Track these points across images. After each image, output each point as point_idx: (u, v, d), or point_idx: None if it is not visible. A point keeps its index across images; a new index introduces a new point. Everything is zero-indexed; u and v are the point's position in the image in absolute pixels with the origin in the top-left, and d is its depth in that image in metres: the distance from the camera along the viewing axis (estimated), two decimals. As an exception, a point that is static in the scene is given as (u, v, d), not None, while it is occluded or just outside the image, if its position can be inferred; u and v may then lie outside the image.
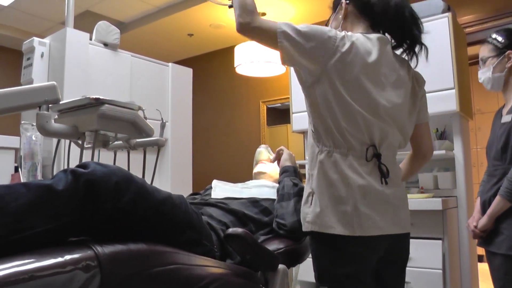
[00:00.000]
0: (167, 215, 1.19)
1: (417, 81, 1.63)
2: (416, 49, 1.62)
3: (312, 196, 1.44)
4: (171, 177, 3.45)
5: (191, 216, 1.28)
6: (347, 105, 1.39)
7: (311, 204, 1.43)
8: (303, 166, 3.58)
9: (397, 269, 1.54)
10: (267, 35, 1.41)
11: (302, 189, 1.80)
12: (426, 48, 1.64)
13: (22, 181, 2.30)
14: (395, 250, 1.47)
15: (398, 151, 1.56)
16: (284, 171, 1.99)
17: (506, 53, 2.08)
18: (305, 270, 3.11)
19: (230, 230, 1.30)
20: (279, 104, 5.73)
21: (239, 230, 1.29)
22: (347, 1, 1.61)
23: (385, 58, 1.48)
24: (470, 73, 3.78)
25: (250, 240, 1.29)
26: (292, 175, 1.94)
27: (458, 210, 2.80)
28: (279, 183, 1.91)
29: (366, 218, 1.35)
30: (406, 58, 1.63)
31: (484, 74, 2.16)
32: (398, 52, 1.63)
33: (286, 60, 1.43)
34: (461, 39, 3.10)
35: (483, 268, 2.87)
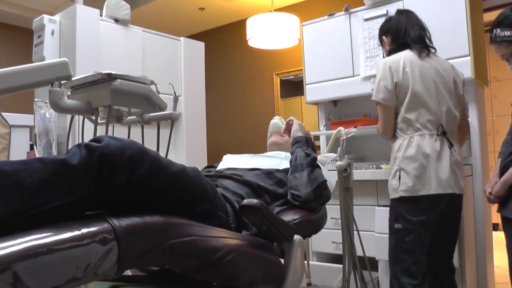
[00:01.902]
0: (182, 188, 1.19)
1: None
2: None
3: None
4: (185, 150, 3.47)
5: (205, 188, 1.28)
6: None
7: None
8: (317, 138, 3.57)
9: None
10: None
11: (314, 159, 1.81)
12: None
13: (38, 158, 2.32)
14: None
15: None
16: (296, 141, 1.97)
17: None
18: (320, 241, 3.13)
19: (245, 201, 1.30)
20: (293, 76, 5.69)
21: (254, 201, 1.29)
22: None
23: None
24: (486, 40, 3.70)
25: (266, 211, 1.29)
26: (304, 145, 1.93)
27: (473, 178, 2.78)
28: (291, 154, 1.90)
29: None
30: None
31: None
32: None
33: None
34: (477, 5, 3.03)
35: (499, 237, 2.87)
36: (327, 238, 3.07)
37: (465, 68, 2.74)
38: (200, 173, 1.30)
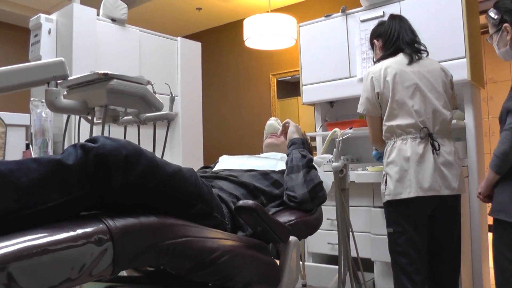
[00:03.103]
0: (178, 188, 1.19)
1: None
2: None
3: None
4: (182, 151, 3.46)
5: (201, 189, 1.28)
6: None
7: None
8: (313, 139, 3.57)
9: None
10: None
11: (311, 161, 1.82)
12: None
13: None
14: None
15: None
16: (292, 143, 1.98)
17: (502, 27, 2.04)
18: (315, 242, 3.13)
19: (241, 202, 1.30)
20: (289, 77, 5.69)
21: (250, 202, 1.29)
22: None
23: None
24: (482, 42, 3.71)
25: (261, 212, 1.29)
26: (300, 147, 1.94)
27: (469, 179, 2.78)
28: (287, 155, 1.91)
29: None
30: None
31: (496, 50, 2.18)
32: None
33: None
34: (473, 7, 3.04)
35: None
36: (323, 239, 3.07)
37: (461, 70, 2.75)
38: (195, 173, 1.30)
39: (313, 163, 1.96)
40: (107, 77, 1.63)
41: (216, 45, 6.37)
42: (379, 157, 2.56)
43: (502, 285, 1.92)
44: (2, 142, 2.60)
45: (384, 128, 2.29)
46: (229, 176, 1.70)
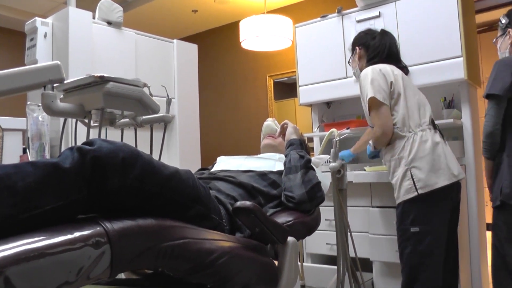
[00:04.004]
0: (175, 190, 1.19)
1: None
2: None
3: None
4: (179, 153, 3.47)
5: (198, 191, 1.28)
6: None
7: None
8: (311, 140, 3.58)
9: None
10: None
11: (308, 161, 1.82)
12: None
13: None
14: None
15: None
16: (290, 144, 1.98)
17: (507, 31, 2.25)
18: (314, 243, 3.13)
19: (239, 203, 1.30)
20: (286, 78, 5.69)
21: (247, 203, 1.29)
22: None
23: None
24: (479, 41, 3.72)
25: (259, 213, 1.29)
26: (298, 148, 1.94)
27: (467, 179, 2.78)
28: (286, 156, 1.91)
29: None
30: None
31: (498, 52, 2.35)
32: None
33: None
34: (469, 7, 3.05)
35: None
36: (321, 240, 3.07)
37: (458, 69, 2.76)
38: (193, 175, 1.30)
39: (311, 164, 1.96)
40: (103, 80, 1.63)
41: (212, 47, 6.37)
42: (374, 156, 2.53)
43: None
44: (-1, 147, 2.59)
45: (398, 118, 2.25)
46: (227, 177, 1.69)
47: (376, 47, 2.45)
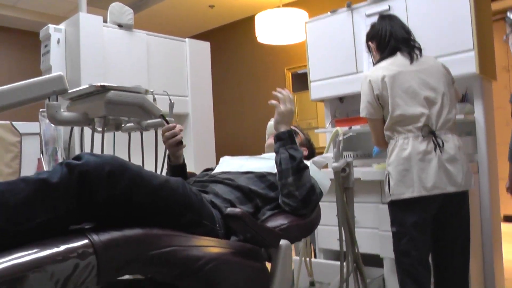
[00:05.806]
0: (165, 200, 1.24)
1: None
2: None
3: None
4: (194, 152, 3.52)
5: (189, 198, 1.32)
6: None
7: None
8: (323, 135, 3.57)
9: None
10: None
11: (301, 161, 1.69)
12: None
13: (44, 165, 2.41)
14: None
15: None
16: (278, 139, 1.76)
17: None
18: (326, 239, 3.14)
19: (229, 210, 1.33)
20: (304, 70, 5.68)
21: (236, 210, 1.33)
22: None
23: None
24: (495, 30, 3.62)
25: (248, 220, 1.33)
26: (288, 143, 1.73)
27: (479, 174, 2.75)
28: (276, 153, 1.75)
29: None
30: None
31: (510, 48, 2.32)
32: None
33: None
34: (484, -5, 2.97)
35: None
36: (333, 235, 3.08)
37: (469, 63, 2.70)
38: (184, 183, 1.34)
39: (313, 163, 1.97)
40: (104, 89, 1.69)
41: (229, 42, 6.40)
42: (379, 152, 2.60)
43: None
44: (18, 151, 2.70)
45: (385, 127, 2.29)
46: (225, 180, 1.72)
47: (377, 34, 2.41)
